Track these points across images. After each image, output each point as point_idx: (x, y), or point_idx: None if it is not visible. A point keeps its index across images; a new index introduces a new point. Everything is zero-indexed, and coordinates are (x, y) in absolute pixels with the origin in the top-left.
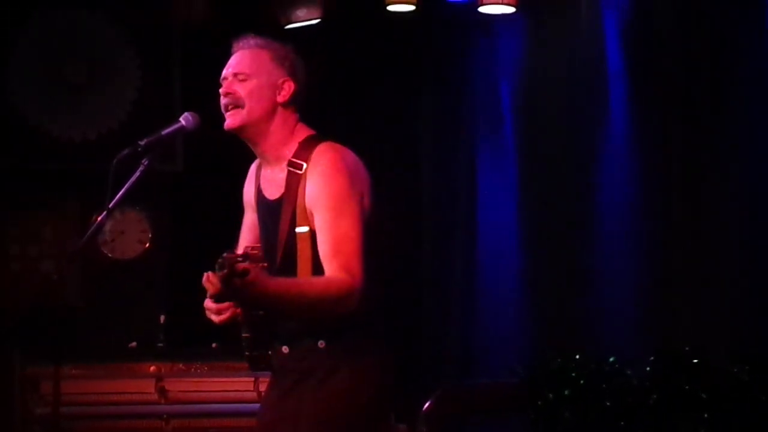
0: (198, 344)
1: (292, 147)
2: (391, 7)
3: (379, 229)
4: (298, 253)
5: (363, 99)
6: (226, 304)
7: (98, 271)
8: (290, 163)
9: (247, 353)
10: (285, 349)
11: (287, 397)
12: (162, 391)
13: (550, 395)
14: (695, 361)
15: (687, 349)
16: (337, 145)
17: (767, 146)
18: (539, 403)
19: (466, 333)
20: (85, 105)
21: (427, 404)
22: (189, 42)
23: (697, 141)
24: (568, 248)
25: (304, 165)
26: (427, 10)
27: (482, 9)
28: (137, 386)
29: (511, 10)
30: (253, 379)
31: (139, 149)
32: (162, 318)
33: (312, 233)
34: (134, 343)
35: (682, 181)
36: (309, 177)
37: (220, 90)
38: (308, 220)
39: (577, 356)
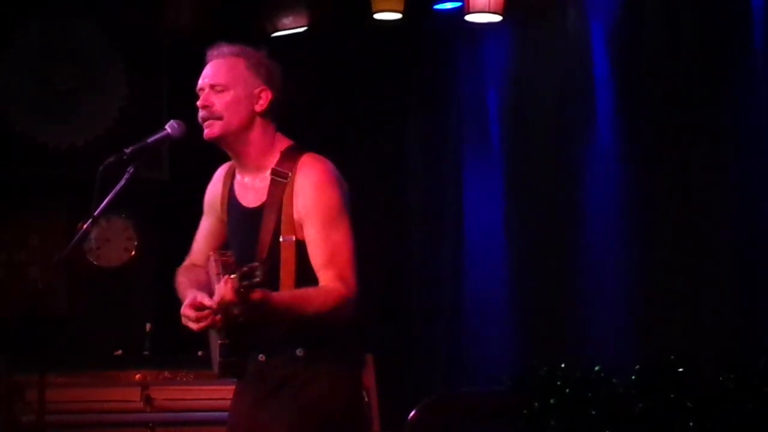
0: (184, 352)
1: (274, 156)
2: (377, 15)
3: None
4: (282, 262)
5: (349, 107)
6: (205, 312)
7: (84, 278)
8: (274, 172)
9: (221, 360)
10: (262, 357)
11: (264, 405)
12: (148, 399)
13: (537, 403)
14: (681, 369)
15: (673, 357)
16: (321, 157)
17: (756, 154)
18: (525, 411)
19: (452, 341)
20: (72, 112)
21: (413, 413)
22: (176, 50)
23: (685, 148)
24: (554, 256)
25: (289, 174)
26: (413, 18)
27: (469, 17)
28: (123, 394)
29: (497, 18)
30: None
31: (125, 157)
32: (148, 326)
33: (298, 243)
34: (120, 351)
35: (669, 189)
36: (297, 187)
37: (197, 102)
38: (294, 230)
39: (564, 365)
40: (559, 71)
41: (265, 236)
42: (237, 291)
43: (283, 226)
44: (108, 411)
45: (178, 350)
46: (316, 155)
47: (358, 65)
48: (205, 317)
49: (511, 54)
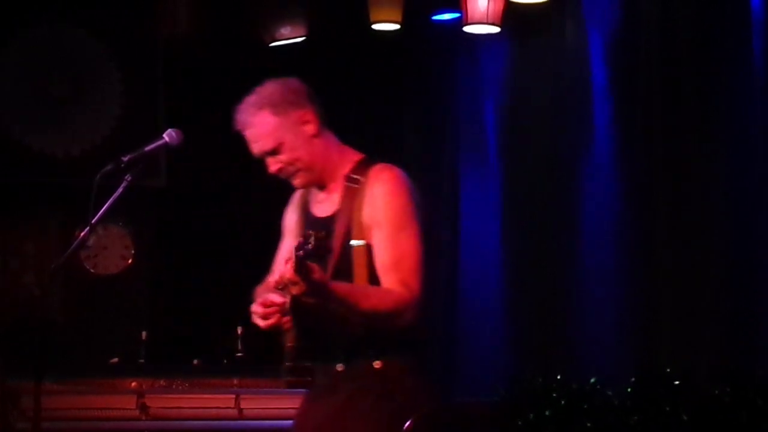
0: (179, 361)
1: (347, 165)
2: (376, 26)
3: (427, 250)
4: (354, 267)
5: (347, 117)
6: (273, 309)
7: (80, 286)
8: (348, 179)
9: (287, 364)
10: (339, 367)
11: (338, 417)
12: (143, 408)
13: (532, 415)
14: (676, 382)
15: (668, 370)
16: (394, 166)
17: (752, 164)
18: (521, 422)
19: (448, 352)
20: (68, 120)
21: (407, 423)
22: (172, 58)
23: (683, 161)
24: (550, 267)
25: (361, 180)
26: (411, 29)
27: (467, 29)
28: (118, 402)
29: (495, 29)
30: (234, 396)
31: (123, 165)
32: (144, 334)
33: (368, 247)
34: (116, 359)
35: (666, 200)
36: (369, 193)
37: (270, 170)
38: (365, 235)
39: (559, 376)
40: (557, 82)
41: (338, 242)
42: (294, 267)
43: (354, 231)
44: (103, 419)
45: (174, 358)
46: (390, 165)
47: (356, 76)
48: (273, 314)
49: (509, 65)
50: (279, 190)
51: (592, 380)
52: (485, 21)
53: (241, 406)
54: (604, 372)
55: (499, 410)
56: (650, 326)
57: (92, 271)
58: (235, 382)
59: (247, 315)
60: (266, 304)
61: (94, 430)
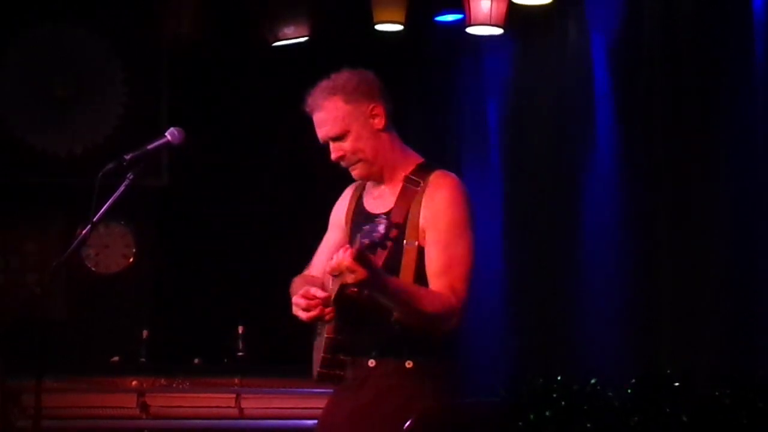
0: (180, 359)
1: (408, 166)
2: (379, 27)
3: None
4: (403, 266)
5: None
6: (315, 302)
7: (82, 284)
8: (407, 179)
9: (326, 355)
10: (371, 362)
11: (366, 413)
12: (144, 406)
13: (532, 416)
14: (677, 383)
15: (668, 371)
16: (454, 174)
17: (755, 167)
18: (521, 423)
19: None
20: (71, 119)
21: (407, 423)
22: (176, 57)
23: (684, 163)
24: (552, 268)
25: (421, 183)
26: (415, 30)
27: (470, 30)
28: (119, 401)
29: (499, 31)
30: (234, 395)
31: (124, 163)
32: (145, 333)
33: (419, 249)
34: (116, 358)
35: (668, 203)
36: (428, 196)
37: (332, 157)
38: (418, 237)
39: (559, 377)
40: (560, 84)
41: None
42: (356, 256)
43: (408, 231)
44: (104, 417)
45: (175, 357)
46: (450, 172)
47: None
48: (315, 306)
49: (512, 66)
50: (281, 190)
51: (593, 381)
52: (488, 22)
53: (242, 405)
54: (604, 373)
55: (499, 411)
56: (651, 327)
57: (93, 269)
58: (236, 381)
59: (247, 314)
60: (309, 296)
61: (94, 428)
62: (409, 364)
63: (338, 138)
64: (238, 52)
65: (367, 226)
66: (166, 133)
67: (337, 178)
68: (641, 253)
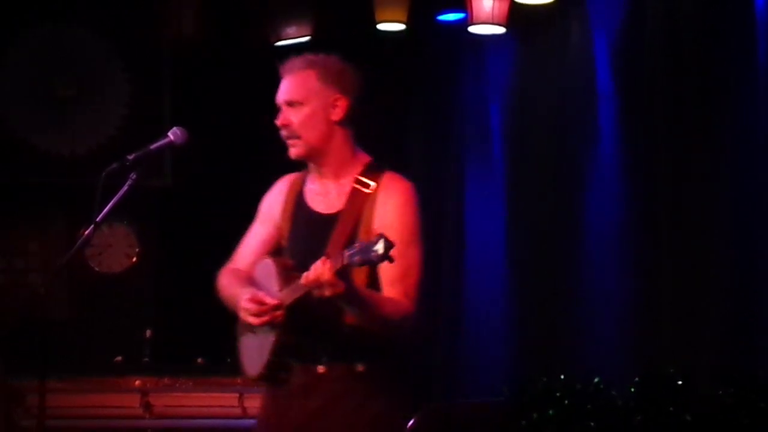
0: (183, 359)
1: (357, 166)
2: (381, 26)
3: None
4: (354, 270)
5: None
6: (266, 307)
7: (85, 284)
8: (357, 181)
9: (272, 358)
10: (321, 368)
11: (317, 418)
12: (147, 406)
13: (535, 415)
14: (680, 383)
15: (672, 370)
16: (403, 177)
17: (756, 166)
18: (524, 422)
19: (451, 352)
20: (74, 120)
21: (410, 423)
22: (178, 57)
23: (686, 163)
24: (554, 268)
25: (372, 185)
26: (417, 29)
27: (472, 29)
28: (122, 400)
29: (501, 30)
30: (238, 394)
31: (127, 163)
32: (148, 332)
33: None
34: (120, 358)
35: (670, 203)
36: (381, 201)
37: (278, 121)
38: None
39: (562, 376)
40: (562, 84)
41: (338, 242)
42: (338, 271)
43: (359, 235)
44: (107, 417)
45: (178, 357)
46: (400, 175)
47: (360, 75)
48: (266, 312)
49: (515, 66)
50: None
51: (596, 380)
52: (490, 21)
53: (245, 405)
54: (607, 372)
55: (502, 410)
56: (654, 326)
57: (96, 269)
58: (239, 380)
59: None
60: (257, 301)
61: (98, 428)
62: (360, 368)
63: (293, 104)
64: (240, 52)
65: (359, 244)
66: (169, 133)
67: None
68: (644, 253)
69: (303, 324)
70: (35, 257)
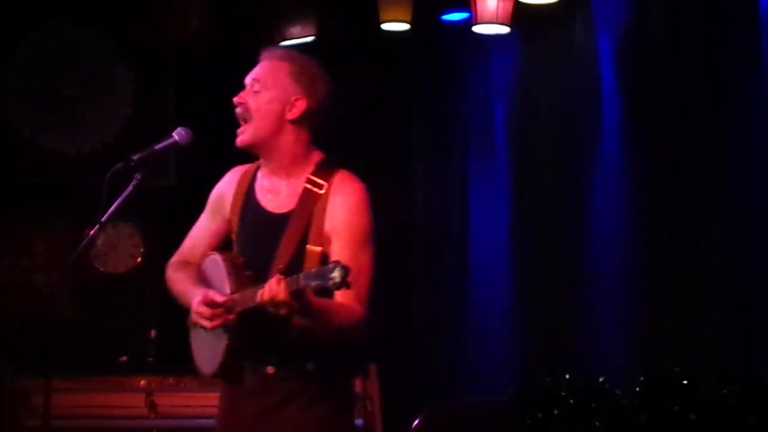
0: (188, 359)
1: (308, 166)
2: (385, 26)
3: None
4: (305, 271)
5: (356, 116)
6: (219, 311)
7: (90, 285)
8: (310, 181)
9: (225, 360)
10: (270, 369)
11: (269, 418)
12: (152, 406)
13: (540, 414)
14: (685, 382)
15: (677, 369)
16: (356, 176)
17: (760, 165)
18: (529, 421)
19: (456, 351)
20: (78, 119)
21: (416, 422)
22: (183, 57)
23: (690, 162)
24: (558, 268)
25: (325, 185)
26: (421, 29)
27: (476, 29)
28: (127, 400)
29: (505, 30)
30: None
31: (132, 163)
32: (153, 332)
33: (324, 255)
34: (125, 357)
35: (674, 200)
36: (333, 201)
37: (236, 98)
38: (322, 242)
39: (567, 375)
40: (567, 83)
41: (289, 243)
42: (293, 293)
43: (311, 236)
44: (112, 417)
45: (183, 357)
46: (352, 174)
47: (365, 75)
48: (219, 315)
49: (519, 66)
50: None
51: (601, 379)
52: (495, 21)
53: None
54: (612, 371)
55: (507, 409)
56: (658, 326)
57: (101, 269)
58: None
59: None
60: (208, 301)
61: (103, 428)
62: (310, 366)
63: (255, 86)
64: (244, 52)
65: (317, 269)
66: (174, 133)
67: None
68: (647, 252)
69: (254, 329)
70: (40, 257)
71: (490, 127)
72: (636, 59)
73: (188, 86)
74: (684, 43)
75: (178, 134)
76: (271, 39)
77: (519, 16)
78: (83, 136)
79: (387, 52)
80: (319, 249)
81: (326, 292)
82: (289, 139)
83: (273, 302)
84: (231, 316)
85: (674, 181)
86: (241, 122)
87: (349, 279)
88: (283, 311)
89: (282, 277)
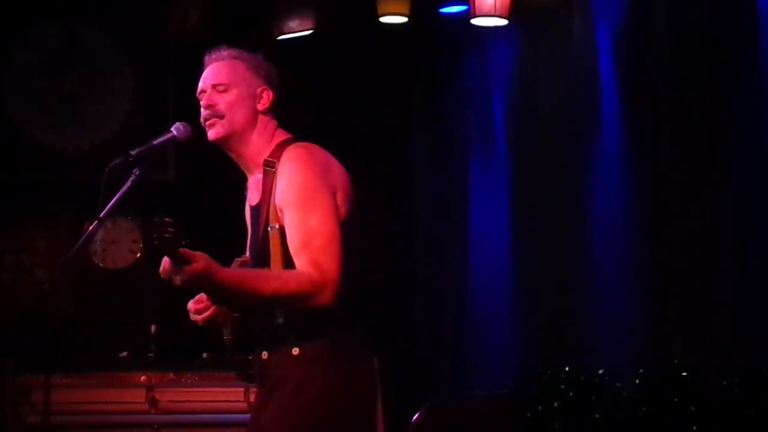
0: (189, 354)
1: (268, 150)
2: (383, 19)
3: (357, 229)
4: (271, 252)
5: (355, 109)
6: (205, 304)
7: (89, 280)
8: (265, 163)
9: (229, 357)
10: (265, 355)
11: (264, 406)
12: (152, 401)
13: (541, 407)
14: (685, 374)
15: (677, 362)
16: (309, 144)
17: (760, 160)
18: (529, 414)
19: (457, 345)
20: (78, 115)
21: (416, 416)
22: (182, 53)
23: (689, 154)
24: (559, 260)
25: (276, 162)
26: (419, 21)
27: (475, 21)
28: (128, 396)
29: (503, 22)
30: (243, 389)
31: (131, 158)
32: (153, 328)
33: (281, 230)
34: (125, 353)
35: (674, 194)
36: (279, 174)
37: (201, 103)
38: (279, 218)
39: (568, 368)
40: (565, 75)
41: (260, 230)
42: (161, 271)
43: (270, 216)
44: (113, 412)
45: (183, 352)
46: (305, 143)
47: (363, 68)
48: (205, 309)
49: (517, 58)
50: None
51: (601, 372)
52: (493, 13)
53: (251, 399)
54: (612, 364)
55: (508, 403)
56: (659, 318)
57: (101, 265)
58: None
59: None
60: (198, 299)
61: (103, 423)
62: (295, 351)
63: (219, 87)
64: (244, 48)
65: (156, 219)
66: (173, 128)
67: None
68: (648, 244)
69: (242, 318)
70: (40, 254)
71: (489, 119)
72: (634, 52)
73: (187, 82)
74: (682, 35)
75: (176, 129)
76: (270, 33)
77: (518, 9)
78: (83, 133)
79: (385, 45)
80: (276, 227)
81: (164, 251)
82: (259, 130)
83: (165, 273)
84: (221, 312)
85: (674, 171)
86: (209, 122)
87: (300, 245)
88: (178, 282)
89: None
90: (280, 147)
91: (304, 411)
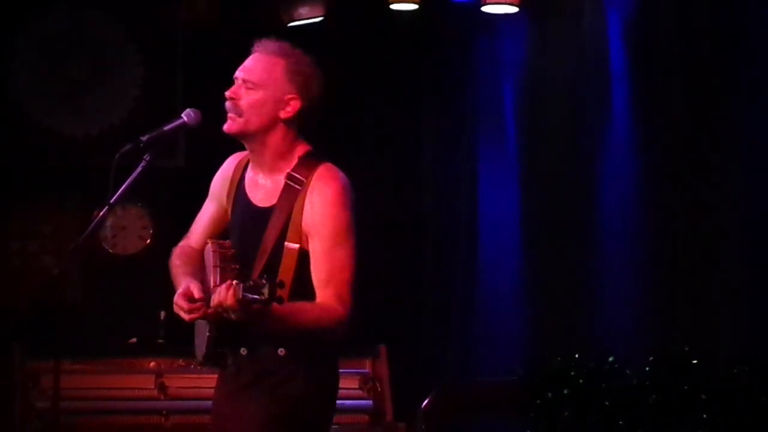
0: None
1: (291, 160)
2: (393, 6)
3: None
4: (282, 268)
5: (364, 98)
6: (197, 304)
7: (99, 266)
8: (289, 177)
9: (206, 350)
10: (243, 351)
11: (239, 396)
12: (162, 387)
13: (550, 394)
14: (695, 361)
15: (687, 349)
16: (338, 170)
17: None
18: (538, 402)
19: (466, 332)
20: (87, 101)
21: (425, 402)
22: (191, 39)
23: (700, 142)
24: (568, 247)
25: (304, 182)
26: (429, 9)
27: (485, 8)
28: (137, 382)
29: (514, 9)
30: None
31: (141, 145)
32: (162, 314)
33: (301, 252)
34: (134, 339)
35: (684, 181)
36: (311, 198)
37: (228, 93)
38: (300, 239)
39: (577, 355)
40: (575, 63)
41: (269, 239)
42: (238, 301)
43: (289, 233)
44: (122, 398)
45: (192, 339)
46: (333, 167)
47: (374, 56)
48: (197, 309)
49: (527, 46)
50: None
51: (611, 359)
52: (503, 1)
53: None
54: (622, 351)
55: (517, 389)
56: (669, 305)
57: (110, 251)
58: None
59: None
60: (188, 296)
61: (112, 409)
62: (281, 351)
63: (248, 83)
64: (253, 34)
65: (253, 283)
66: (183, 115)
67: (345, 163)
68: (658, 232)
69: (230, 325)
70: (49, 239)
71: (499, 107)
72: (645, 38)
73: (197, 68)
74: (693, 23)
75: (186, 115)
76: (280, 20)
77: None
78: (92, 118)
79: (395, 32)
80: (296, 246)
81: (262, 305)
82: (277, 136)
83: (221, 307)
84: (209, 310)
85: (684, 161)
86: (230, 114)
87: (327, 277)
88: (233, 317)
89: (234, 283)
90: (306, 163)
91: (287, 406)
